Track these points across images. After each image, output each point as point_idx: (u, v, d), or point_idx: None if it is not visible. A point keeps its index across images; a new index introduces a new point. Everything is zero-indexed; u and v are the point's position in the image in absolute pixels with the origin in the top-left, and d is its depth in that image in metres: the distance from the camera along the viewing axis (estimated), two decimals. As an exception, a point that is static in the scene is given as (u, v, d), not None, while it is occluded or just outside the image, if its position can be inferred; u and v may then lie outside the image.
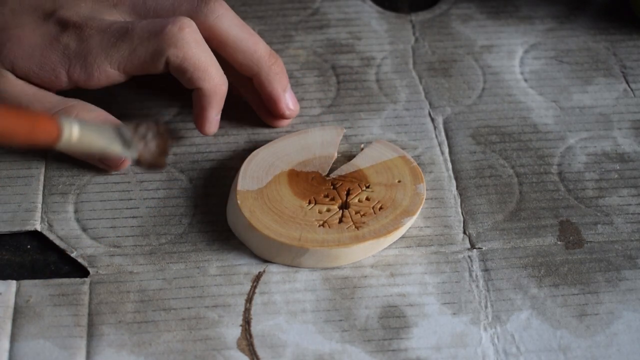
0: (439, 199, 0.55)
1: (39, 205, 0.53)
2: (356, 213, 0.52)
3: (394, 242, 0.52)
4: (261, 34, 0.63)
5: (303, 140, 0.56)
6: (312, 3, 0.68)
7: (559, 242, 0.53)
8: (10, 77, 0.53)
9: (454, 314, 0.49)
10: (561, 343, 0.48)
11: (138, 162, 0.45)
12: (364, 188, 0.53)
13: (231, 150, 0.57)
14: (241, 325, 0.48)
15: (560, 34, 0.66)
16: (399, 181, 0.54)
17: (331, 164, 0.55)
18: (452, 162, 0.57)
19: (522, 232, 0.53)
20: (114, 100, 0.59)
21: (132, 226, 0.53)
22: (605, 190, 0.55)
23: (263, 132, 0.58)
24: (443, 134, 0.58)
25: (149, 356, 0.47)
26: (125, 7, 0.55)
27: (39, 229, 0.52)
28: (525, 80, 0.62)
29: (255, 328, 0.48)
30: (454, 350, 0.47)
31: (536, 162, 0.57)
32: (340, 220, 0.51)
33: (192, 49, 0.52)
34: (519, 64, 0.63)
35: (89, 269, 0.50)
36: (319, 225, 0.51)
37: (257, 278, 0.50)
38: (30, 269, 0.51)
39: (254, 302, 0.49)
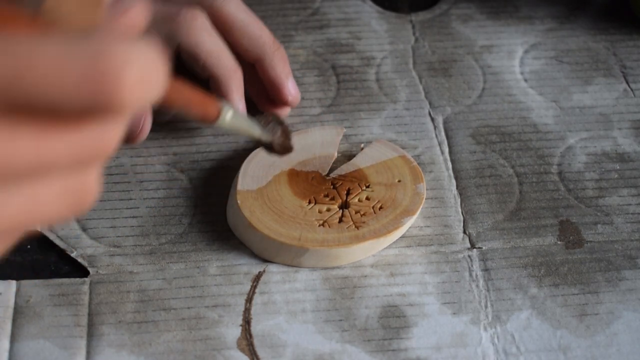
0: (439, 199, 0.55)
1: (39, 205, 0.53)
2: (356, 213, 0.52)
3: (394, 242, 0.52)
4: (261, 34, 0.64)
5: (303, 140, 0.56)
6: (312, 3, 0.68)
7: (559, 242, 0.53)
8: None
9: (454, 313, 0.49)
10: (561, 343, 0.48)
11: (271, 147, 0.47)
12: (364, 188, 0.53)
13: (231, 150, 0.57)
14: (241, 325, 0.48)
15: (560, 34, 0.66)
16: (399, 181, 0.54)
17: (331, 164, 0.55)
18: (452, 161, 0.57)
19: (522, 232, 0.53)
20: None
21: (132, 226, 0.53)
22: (605, 190, 0.55)
23: (263, 132, 0.58)
24: (443, 133, 0.58)
25: (149, 356, 0.47)
26: None
27: (39, 229, 0.52)
28: (525, 80, 0.62)
29: (255, 328, 0.48)
30: (454, 350, 0.47)
31: (536, 162, 0.57)
32: (340, 220, 0.51)
33: (204, 36, 0.54)
34: (519, 64, 0.63)
35: (89, 269, 0.50)
36: (319, 225, 0.51)
37: (257, 278, 0.50)
38: (30, 269, 0.51)
39: (254, 302, 0.49)
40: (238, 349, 0.47)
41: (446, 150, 0.57)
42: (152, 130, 0.58)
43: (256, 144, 0.49)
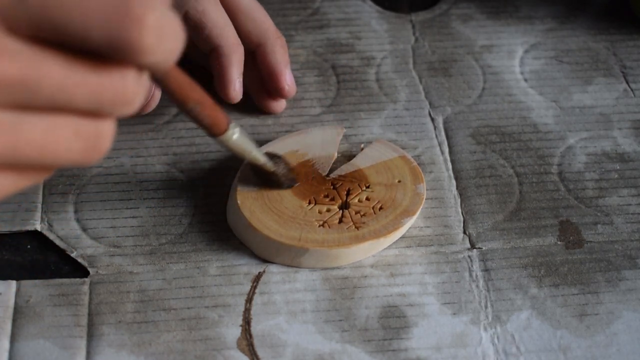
0: (439, 199, 0.55)
1: (39, 205, 0.53)
2: (356, 213, 0.52)
3: (394, 242, 0.52)
4: (261, 33, 0.64)
5: (303, 140, 0.56)
6: (312, 3, 0.68)
7: (559, 242, 0.53)
8: None
9: (454, 314, 0.49)
10: (561, 343, 0.48)
11: (274, 177, 0.51)
12: (364, 188, 0.53)
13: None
14: (241, 325, 0.48)
15: (560, 34, 0.66)
16: (399, 181, 0.54)
17: (331, 164, 0.55)
18: (452, 162, 0.57)
19: (522, 232, 0.53)
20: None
21: (132, 226, 0.53)
22: (605, 190, 0.55)
23: (263, 132, 0.58)
24: (443, 133, 0.58)
25: (149, 356, 0.47)
26: None
27: (39, 229, 0.52)
28: (525, 80, 0.62)
29: (255, 328, 0.48)
30: (454, 350, 0.47)
31: (536, 162, 0.57)
32: (340, 221, 0.51)
33: (212, 6, 0.54)
34: (519, 64, 0.63)
35: (89, 269, 0.50)
36: (319, 226, 0.51)
37: (257, 278, 0.50)
38: (30, 269, 0.51)
39: (254, 302, 0.49)
40: (238, 349, 0.47)
41: (446, 150, 0.57)
42: (152, 130, 0.58)
43: (257, 169, 0.50)
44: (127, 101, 0.32)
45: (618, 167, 0.57)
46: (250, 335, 0.48)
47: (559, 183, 0.56)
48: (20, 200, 0.53)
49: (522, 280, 0.50)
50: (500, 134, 0.59)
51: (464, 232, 0.53)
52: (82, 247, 0.51)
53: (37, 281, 0.50)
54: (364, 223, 0.51)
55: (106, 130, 0.32)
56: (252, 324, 0.48)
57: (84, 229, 0.52)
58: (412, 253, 0.52)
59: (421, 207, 0.53)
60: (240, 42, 0.56)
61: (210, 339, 0.47)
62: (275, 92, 0.58)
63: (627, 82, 0.62)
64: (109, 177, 0.55)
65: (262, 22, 0.57)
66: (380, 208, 0.52)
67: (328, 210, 0.52)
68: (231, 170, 0.55)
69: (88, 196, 0.54)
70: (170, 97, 0.39)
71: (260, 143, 0.57)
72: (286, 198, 0.52)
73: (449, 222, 0.53)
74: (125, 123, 0.57)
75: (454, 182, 0.56)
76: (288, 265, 0.51)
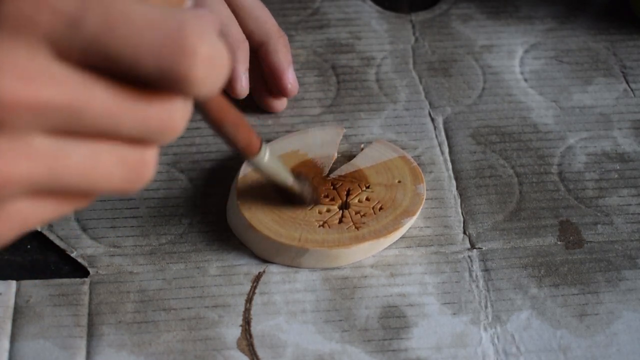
0: (439, 199, 0.55)
1: (39, 205, 0.53)
2: (356, 213, 0.52)
3: (394, 242, 0.52)
4: (261, 33, 0.64)
5: (303, 140, 0.56)
6: (312, 3, 0.68)
7: (559, 242, 0.53)
8: None
9: (454, 314, 0.49)
10: (561, 343, 0.48)
11: (298, 196, 0.51)
12: (364, 188, 0.53)
13: (231, 150, 0.57)
14: (241, 325, 0.48)
15: (560, 34, 0.66)
16: (399, 181, 0.54)
17: (331, 164, 0.55)
18: (452, 162, 0.57)
19: (522, 232, 0.53)
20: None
21: (132, 226, 0.53)
22: (605, 190, 0.55)
23: (263, 132, 0.58)
24: (443, 134, 0.58)
25: (149, 356, 0.47)
26: None
27: (39, 229, 0.52)
28: (525, 80, 0.62)
29: (255, 328, 0.48)
30: (454, 350, 0.47)
31: (536, 162, 0.57)
32: (340, 221, 0.51)
33: (215, 3, 0.54)
34: (519, 64, 0.63)
35: (89, 269, 0.50)
36: (319, 226, 0.51)
37: (257, 278, 0.50)
38: (30, 269, 0.51)
39: (254, 302, 0.49)
40: (238, 349, 0.47)
41: (446, 150, 0.57)
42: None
43: (281, 188, 0.50)
44: (172, 129, 0.31)
45: (618, 167, 0.57)
46: (250, 335, 0.48)
47: (559, 183, 0.56)
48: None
49: (522, 280, 0.50)
50: (500, 134, 0.59)
51: (464, 232, 0.53)
52: (82, 247, 0.51)
53: (37, 281, 0.50)
54: (364, 223, 0.51)
55: (149, 158, 0.32)
56: (252, 324, 0.48)
57: (84, 229, 0.52)
58: (412, 253, 0.52)
59: (421, 207, 0.53)
60: (245, 38, 0.56)
61: (210, 339, 0.47)
62: (278, 91, 0.58)
63: (627, 82, 0.62)
64: (109, 177, 0.55)
65: (265, 21, 0.57)
66: (380, 208, 0.52)
67: (328, 211, 0.52)
68: (231, 170, 0.55)
69: (88, 196, 0.54)
70: (207, 119, 0.39)
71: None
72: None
73: (449, 222, 0.53)
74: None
75: (454, 182, 0.56)
76: (288, 265, 0.51)
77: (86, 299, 0.49)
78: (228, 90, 0.56)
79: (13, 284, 0.50)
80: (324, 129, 0.57)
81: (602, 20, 0.67)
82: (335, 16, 0.67)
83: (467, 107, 0.60)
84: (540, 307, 0.49)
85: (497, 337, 0.48)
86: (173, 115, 0.31)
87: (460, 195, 0.55)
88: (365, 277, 0.50)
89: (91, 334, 0.47)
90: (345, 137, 0.58)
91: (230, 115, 0.40)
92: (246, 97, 0.58)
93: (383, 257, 0.51)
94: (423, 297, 0.50)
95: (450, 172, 0.56)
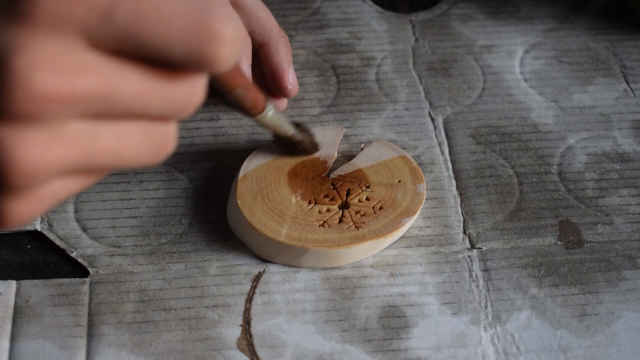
0: (439, 199, 0.55)
1: (39, 205, 0.53)
2: (356, 213, 0.52)
3: (394, 242, 0.52)
4: (261, 34, 0.64)
5: (303, 140, 0.56)
6: (312, 3, 0.68)
7: (559, 242, 0.53)
8: None
9: (454, 314, 0.49)
10: (561, 343, 0.48)
11: (299, 145, 0.53)
12: (364, 188, 0.53)
13: (231, 150, 0.57)
14: (241, 325, 0.48)
15: (560, 34, 0.66)
16: (399, 181, 0.54)
17: (331, 164, 0.55)
18: (452, 162, 0.57)
19: (522, 232, 0.53)
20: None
21: (132, 226, 0.53)
22: (605, 190, 0.55)
23: (263, 132, 0.58)
24: (443, 133, 0.58)
25: (149, 356, 0.47)
26: None
27: (39, 229, 0.52)
28: (525, 80, 0.62)
29: (255, 328, 0.48)
30: (454, 350, 0.47)
31: (536, 162, 0.57)
32: (340, 220, 0.51)
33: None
34: (519, 64, 0.63)
35: (89, 269, 0.50)
36: (319, 225, 0.51)
37: (257, 278, 0.50)
38: (30, 269, 0.51)
39: (254, 302, 0.49)
40: (238, 349, 0.47)
41: (446, 150, 0.57)
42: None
43: (284, 139, 0.52)
44: (194, 104, 0.34)
45: (618, 167, 0.57)
46: (250, 335, 0.48)
47: (559, 183, 0.56)
48: (20, 200, 0.53)
49: (522, 280, 0.50)
50: (500, 134, 0.59)
51: (464, 232, 0.53)
52: (82, 247, 0.51)
53: (37, 281, 0.50)
54: (364, 223, 0.51)
55: (172, 131, 0.34)
56: (252, 324, 0.48)
57: (84, 229, 0.52)
58: (412, 253, 0.52)
59: (421, 207, 0.53)
60: (247, 34, 0.56)
61: (210, 339, 0.47)
62: (278, 91, 0.58)
63: (627, 82, 0.62)
64: (109, 177, 0.55)
65: (266, 21, 0.57)
66: (380, 208, 0.52)
67: (328, 210, 0.52)
68: (231, 170, 0.55)
69: (88, 196, 0.54)
70: (219, 86, 0.41)
71: (260, 143, 0.57)
72: (286, 198, 0.52)
73: (449, 222, 0.53)
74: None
75: (454, 182, 0.56)
76: (288, 265, 0.51)
77: (86, 299, 0.49)
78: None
79: (13, 284, 0.50)
80: (324, 129, 0.57)
81: (602, 20, 0.67)
82: (335, 16, 0.67)
83: (467, 107, 0.60)
84: (540, 307, 0.49)
85: (497, 337, 0.48)
86: (196, 92, 0.33)
87: (460, 195, 0.55)
88: (365, 277, 0.50)
89: (91, 334, 0.47)
90: (345, 137, 0.58)
91: (241, 79, 0.42)
92: None
93: (383, 257, 0.51)
94: (423, 297, 0.50)
95: (450, 171, 0.56)
